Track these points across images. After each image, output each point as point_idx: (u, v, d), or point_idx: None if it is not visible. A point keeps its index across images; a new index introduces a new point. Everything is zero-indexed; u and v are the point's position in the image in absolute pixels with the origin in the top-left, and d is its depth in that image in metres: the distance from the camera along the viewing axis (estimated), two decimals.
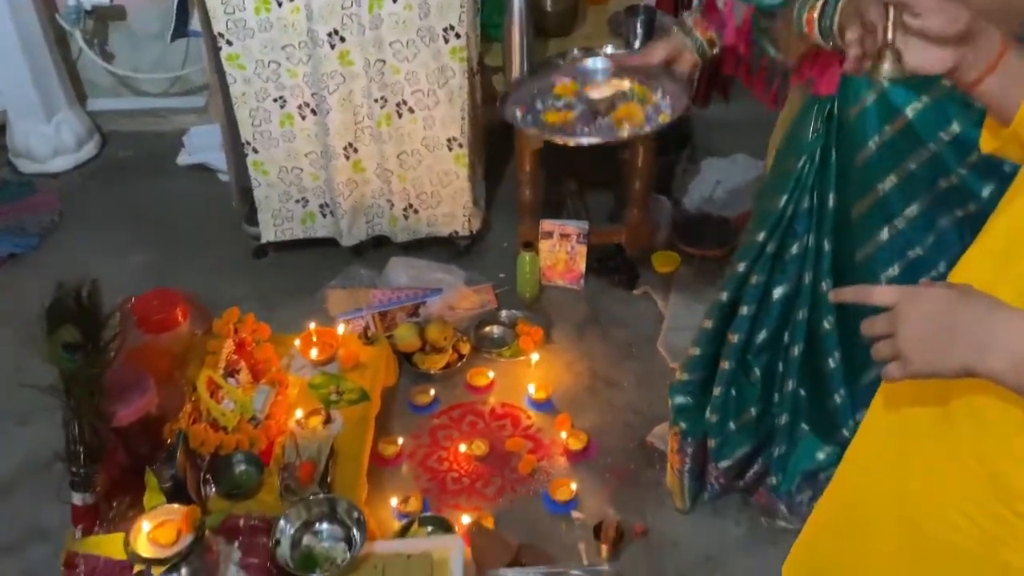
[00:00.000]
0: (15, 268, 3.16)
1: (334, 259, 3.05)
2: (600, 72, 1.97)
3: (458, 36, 2.70)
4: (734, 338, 2.01)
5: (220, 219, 3.20)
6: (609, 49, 2.79)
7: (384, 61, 2.72)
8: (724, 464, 2.13)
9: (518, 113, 1.97)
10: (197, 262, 3.11)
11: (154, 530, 1.77)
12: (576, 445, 2.45)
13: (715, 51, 1.80)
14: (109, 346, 1.94)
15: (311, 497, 2.02)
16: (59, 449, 1.94)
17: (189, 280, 2.98)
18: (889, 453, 1.13)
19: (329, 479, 2.12)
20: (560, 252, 2.99)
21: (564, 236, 2.97)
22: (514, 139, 2.91)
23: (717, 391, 2.09)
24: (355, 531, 1.97)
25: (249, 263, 3.12)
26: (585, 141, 1.91)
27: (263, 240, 3.05)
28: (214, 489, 2.10)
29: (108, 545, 1.76)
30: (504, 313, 2.86)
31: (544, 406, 2.58)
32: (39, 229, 3.34)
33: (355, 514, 1.99)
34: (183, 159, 3.62)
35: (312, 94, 2.78)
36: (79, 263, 3.09)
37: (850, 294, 1.05)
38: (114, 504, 2.03)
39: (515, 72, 2.80)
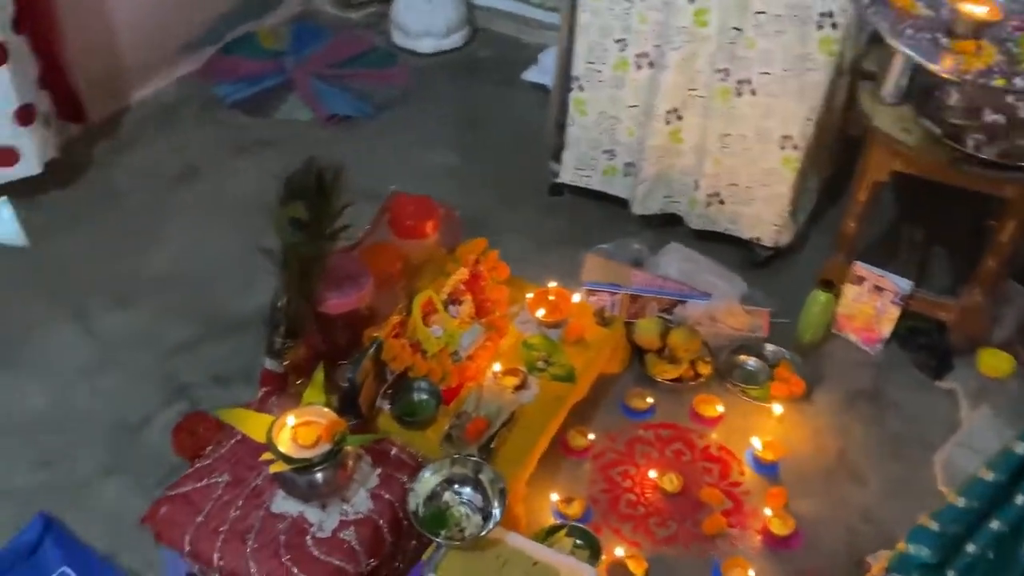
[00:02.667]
0: (343, 130, 3.36)
1: (617, 222, 2.87)
2: None
3: (835, 26, 2.31)
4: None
5: (534, 146, 3.14)
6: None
7: (741, 31, 2.41)
8: None
9: (909, 31, 1.65)
10: (494, 181, 3.09)
11: (298, 427, 1.77)
12: (779, 529, 2.09)
13: None
14: (337, 234, 1.95)
15: (466, 455, 1.92)
16: (269, 314, 2.00)
17: (477, 195, 2.99)
18: None
19: (493, 445, 2.00)
20: (866, 305, 2.54)
21: (877, 289, 2.51)
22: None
23: (972, 548, 1.62)
24: (495, 508, 1.84)
25: (541, 197, 3.04)
26: (909, 52, 1.62)
27: (560, 179, 2.95)
28: (388, 407, 2.07)
29: (253, 423, 1.79)
30: (770, 348, 2.51)
31: (766, 468, 2.23)
32: (381, 101, 3.52)
33: (500, 488, 1.85)
34: (529, 75, 3.60)
35: (655, 46, 2.56)
36: (394, 143, 3.25)
37: None
38: (299, 382, 2.08)
39: (890, 86, 2.34)
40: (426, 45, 3.81)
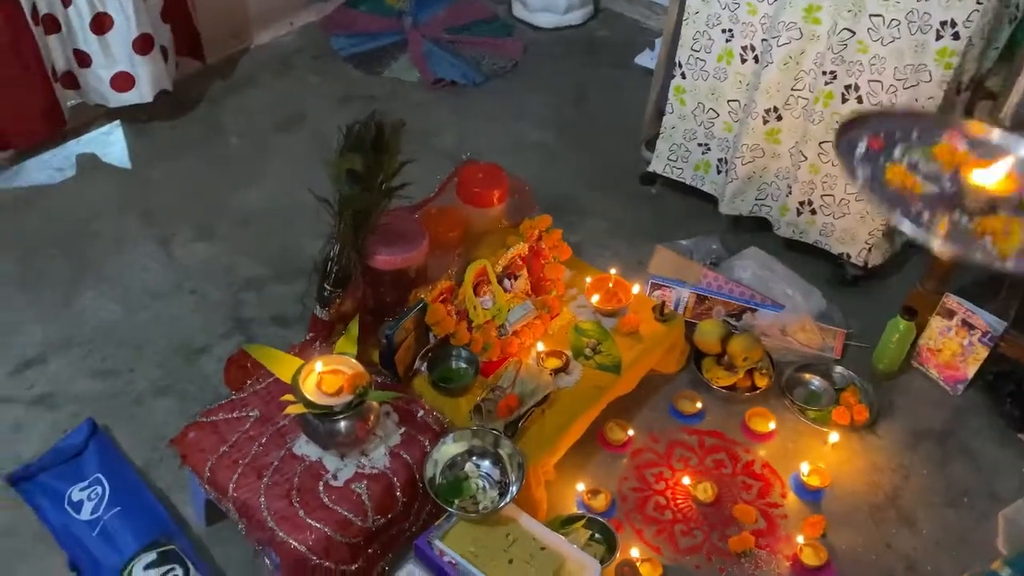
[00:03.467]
0: (446, 94, 3.38)
1: (702, 220, 2.78)
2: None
3: (956, 37, 2.14)
4: None
5: (633, 132, 3.07)
6: None
7: (854, 33, 2.27)
8: None
9: (862, 145, 1.46)
10: (587, 162, 3.05)
11: (325, 373, 1.79)
12: (810, 559, 1.98)
13: None
14: (391, 191, 1.96)
15: (491, 429, 1.90)
16: (320, 261, 2.03)
17: (566, 174, 2.97)
18: None
19: (521, 423, 1.97)
20: (952, 341, 2.37)
21: (967, 325, 2.33)
22: None
23: None
24: (513, 485, 1.83)
25: (630, 185, 2.97)
26: (907, 230, 1.32)
27: (651, 168, 2.88)
28: (426, 370, 2.07)
29: (282, 363, 1.82)
30: (839, 370, 2.37)
31: (809, 495, 2.13)
32: (490, 70, 3.51)
33: (518, 465, 1.84)
34: (643, 59, 3.53)
35: (761, 39, 2.45)
36: (494, 113, 3.24)
37: None
38: (344, 331, 2.10)
39: (1008, 110, 2.16)
40: (545, 20, 3.78)
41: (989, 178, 1.35)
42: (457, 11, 3.82)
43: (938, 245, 1.37)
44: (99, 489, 1.95)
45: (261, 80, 3.35)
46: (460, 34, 3.69)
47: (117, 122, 3.06)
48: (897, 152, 1.53)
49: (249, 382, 2.00)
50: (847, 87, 2.36)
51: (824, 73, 2.37)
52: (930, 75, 2.22)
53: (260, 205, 2.83)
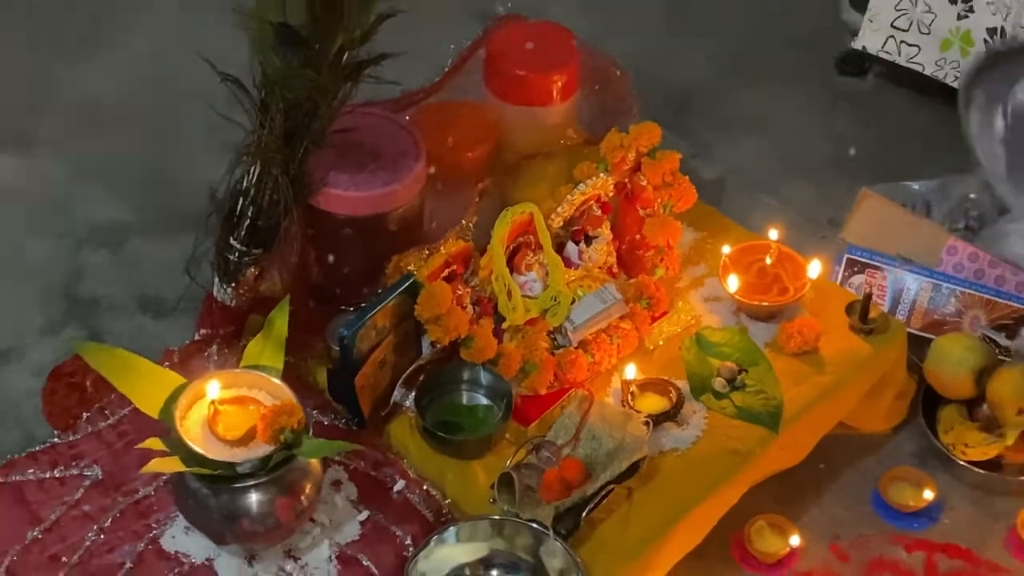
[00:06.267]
0: None
1: (949, 140, 2.77)
2: None
3: None
4: None
5: None
6: None
7: None
8: None
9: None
10: (732, 27, 3.15)
11: (225, 403, 1.82)
12: None
13: None
14: (357, 69, 1.99)
15: (531, 521, 1.93)
16: (223, 197, 2.07)
17: (690, 47, 3.01)
18: None
19: (587, 513, 1.99)
20: None
21: None
22: None
23: None
24: None
25: (822, 74, 3.05)
26: None
27: (858, 44, 2.91)
28: (412, 406, 2.11)
29: (149, 382, 1.85)
30: None
31: None
32: None
33: None
34: None
35: None
36: None
37: None
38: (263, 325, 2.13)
39: None
40: None
41: None
42: None
43: None
44: None
45: None
46: None
47: None
48: None
49: (86, 414, 2.05)
50: None
51: None
52: None
53: (112, 89, 2.88)
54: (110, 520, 1.92)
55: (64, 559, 1.87)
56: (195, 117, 2.56)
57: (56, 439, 2.00)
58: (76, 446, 2.00)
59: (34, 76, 2.83)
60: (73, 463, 1.98)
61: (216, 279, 2.10)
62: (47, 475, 1.96)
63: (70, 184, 2.64)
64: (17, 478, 1.96)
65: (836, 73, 3.00)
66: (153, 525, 1.91)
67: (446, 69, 2.34)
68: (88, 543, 1.89)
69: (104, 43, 2.90)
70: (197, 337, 2.13)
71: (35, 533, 1.89)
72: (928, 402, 2.42)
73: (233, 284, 2.08)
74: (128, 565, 1.87)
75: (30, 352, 2.42)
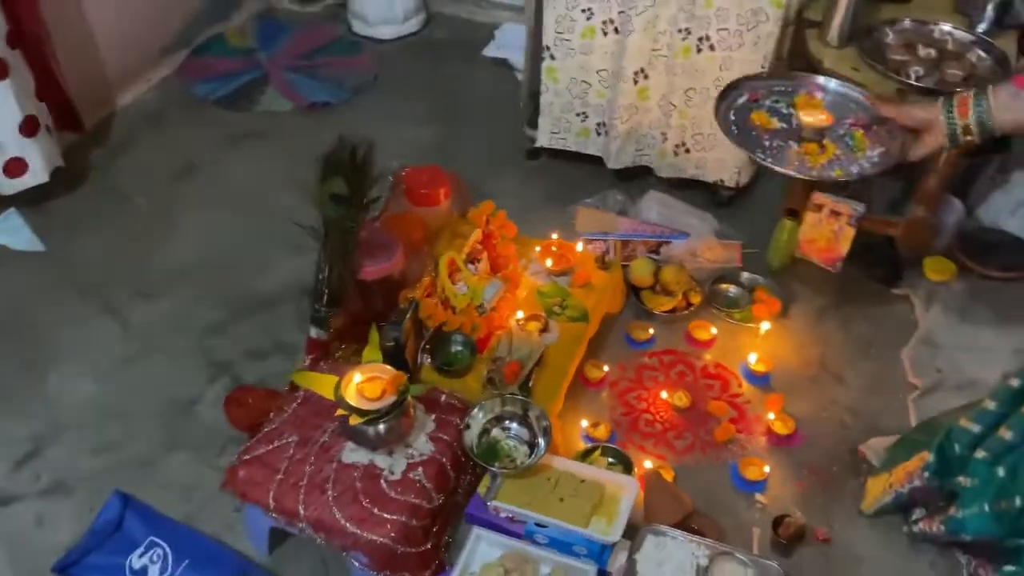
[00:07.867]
0: (324, 115, 3.33)
1: (596, 178, 2.93)
2: (845, 102, 2.07)
3: None
4: None
5: (506, 115, 3.17)
6: (946, 27, 2.41)
7: None
8: (954, 537, 1.76)
9: (741, 98, 2.11)
10: (476, 148, 3.11)
11: (363, 383, 1.80)
12: (781, 429, 2.21)
13: (968, 139, 1.75)
14: (371, 205, 1.97)
15: (509, 395, 1.98)
16: (309, 286, 2.01)
17: (460, 165, 2.98)
18: None
19: (531, 383, 2.06)
20: (825, 229, 2.64)
21: (835, 213, 2.61)
22: None
23: (982, 455, 1.67)
24: (540, 439, 1.92)
25: (520, 161, 3.08)
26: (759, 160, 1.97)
27: (537, 144, 2.99)
28: (429, 360, 2.11)
29: (322, 384, 1.81)
30: (746, 275, 2.61)
31: (760, 380, 2.35)
32: (354, 86, 3.49)
33: (544, 423, 1.93)
34: (489, 51, 3.61)
35: (619, 12, 2.61)
36: (376, 123, 3.23)
37: None
38: (342, 347, 2.10)
39: (834, 32, 2.45)
40: (386, 32, 3.79)
41: (812, 117, 2.01)
42: (302, 38, 3.75)
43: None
44: (159, 551, 1.87)
45: (140, 138, 3.18)
46: (313, 58, 3.64)
47: (11, 210, 2.82)
48: (767, 102, 2.10)
49: (272, 414, 1.97)
50: (700, 39, 2.58)
51: (679, 31, 2.57)
52: (767, 16, 2.48)
53: (188, 255, 2.72)
54: (313, 458, 1.86)
55: (300, 484, 1.82)
56: (238, 257, 2.49)
57: (266, 429, 1.91)
58: (278, 430, 1.91)
59: (142, 257, 2.66)
60: (280, 438, 1.90)
61: (313, 328, 2.04)
62: (271, 446, 1.88)
63: (185, 307, 2.52)
64: (255, 454, 1.88)
65: (524, 158, 3.02)
66: (333, 454, 1.86)
67: (383, 199, 2.29)
68: (307, 472, 1.84)
69: (173, 231, 2.76)
70: (307, 361, 2.06)
71: (279, 476, 1.83)
72: (634, 292, 2.54)
73: (324, 328, 2.02)
74: (331, 476, 1.83)
75: (206, 395, 2.31)
